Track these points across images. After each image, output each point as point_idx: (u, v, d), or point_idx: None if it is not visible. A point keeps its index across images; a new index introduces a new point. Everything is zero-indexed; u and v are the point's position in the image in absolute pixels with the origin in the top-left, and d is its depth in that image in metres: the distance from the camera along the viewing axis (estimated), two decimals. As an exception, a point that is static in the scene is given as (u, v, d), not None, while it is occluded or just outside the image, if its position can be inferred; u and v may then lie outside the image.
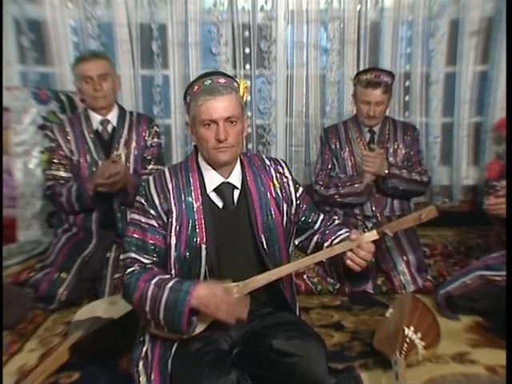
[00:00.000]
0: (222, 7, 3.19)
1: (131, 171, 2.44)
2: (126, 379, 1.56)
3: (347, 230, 1.62)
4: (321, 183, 2.62)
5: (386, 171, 2.46)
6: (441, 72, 3.37)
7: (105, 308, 1.98)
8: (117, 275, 1.35)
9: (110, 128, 2.48)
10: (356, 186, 2.51)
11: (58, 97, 2.95)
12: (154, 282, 1.37)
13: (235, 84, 1.47)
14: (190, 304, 1.31)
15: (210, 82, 1.43)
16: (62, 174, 2.41)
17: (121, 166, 2.28)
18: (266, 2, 3.24)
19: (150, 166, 2.49)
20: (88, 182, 2.29)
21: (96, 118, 2.46)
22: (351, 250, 1.45)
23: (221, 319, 1.34)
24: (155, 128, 2.58)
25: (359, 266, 1.44)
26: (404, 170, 2.53)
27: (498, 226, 2.01)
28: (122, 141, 2.47)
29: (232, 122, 1.42)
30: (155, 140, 2.56)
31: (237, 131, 1.44)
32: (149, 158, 2.51)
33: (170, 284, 1.35)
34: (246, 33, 3.25)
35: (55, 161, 2.43)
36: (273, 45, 3.29)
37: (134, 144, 2.48)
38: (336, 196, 2.57)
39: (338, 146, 2.66)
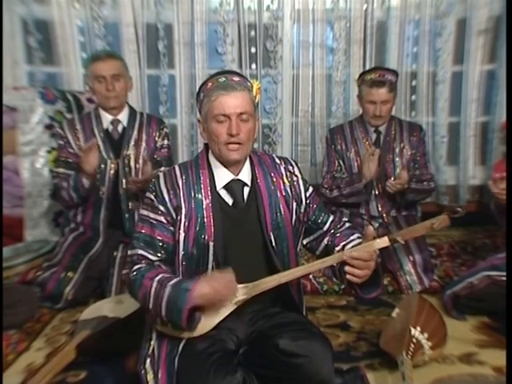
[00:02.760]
0: (228, 7, 3.20)
1: (140, 172, 2.44)
2: (132, 378, 1.57)
3: (359, 234, 1.60)
4: (326, 186, 2.63)
5: (406, 186, 2.45)
6: (448, 71, 3.36)
7: (111, 307, 1.99)
8: (124, 271, 1.36)
9: (120, 128, 2.49)
10: (356, 185, 2.51)
11: (64, 97, 2.97)
12: (157, 279, 1.38)
13: (248, 83, 1.49)
14: (189, 303, 1.31)
15: (224, 79, 1.44)
16: (68, 171, 2.41)
17: (149, 167, 2.33)
18: (272, 2, 3.24)
19: (163, 168, 2.48)
20: (80, 171, 2.29)
21: (107, 118, 2.47)
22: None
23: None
24: (165, 130, 2.59)
25: (356, 277, 1.40)
26: (419, 183, 2.53)
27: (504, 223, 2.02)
28: (132, 141, 2.48)
29: (244, 119, 1.43)
30: (165, 142, 2.57)
31: (248, 128, 1.45)
32: (159, 159, 2.52)
33: (172, 282, 1.36)
34: (252, 32, 3.25)
35: (63, 159, 2.44)
36: (279, 44, 3.29)
37: (143, 145, 2.49)
38: (340, 197, 2.58)
39: (343, 147, 2.66)
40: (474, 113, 3.40)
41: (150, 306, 1.38)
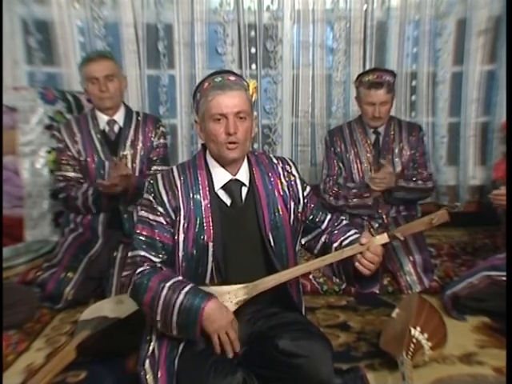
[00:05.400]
0: (228, 7, 3.20)
1: (137, 172, 2.45)
2: (132, 378, 1.57)
3: (356, 230, 1.62)
4: (330, 193, 2.61)
5: (393, 184, 2.46)
6: (447, 71, 3.36)
7: (111, 307, 1.99)
8: (125, 273, 1.35)
9: (116, 128, 2.49)
10: (365, 199, 2.52)
11: (64, 97, 2.97)
12: (168, 284, 1.37)
13: (245, 83, 1.49)
14: (204, 312, 1.32)
15: (220, 79, 1.45)
16: (72, 174, 2.42)
17: (126, 168, 2.30)
18: (272, 2, 3.24)
19: (154, 167, 2.49)
20: (106, 189, 2.28)
21: (103, 119, 2.47)
22: (360, 253, 1.43)
23: (212, 341, 1.35)
24: (161, 128, 2.58)
25: (367, 269, 1.43)
26: (411, 182, 2.54)
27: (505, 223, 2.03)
28: (129, 141, 2.47)
29: (241, 118, 1.44)
30: (161, 141, 2.56)
31: (246, 127, 1.45)
32: (154, 158, 2.52)
33: (187, 289, 1.36)
34: (252, 33, 3.26)
35: (63, 161, 2.44)
36: (279, 45, 3.29)
37: (140, 144, 2.49)
38: (345, 207, 2.57)
39: (343, 149, 2.65)
40: (473, 113, 3.40)
41: (159, 310, 1.37)
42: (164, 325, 1.39)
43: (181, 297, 1.34)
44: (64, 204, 2.50)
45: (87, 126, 2.46)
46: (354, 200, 2.54)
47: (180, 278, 1.42)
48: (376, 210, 2.57)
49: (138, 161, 2.47)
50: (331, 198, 2.60)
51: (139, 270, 1.42)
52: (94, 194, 2.34)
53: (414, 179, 2.56)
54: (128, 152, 2.45)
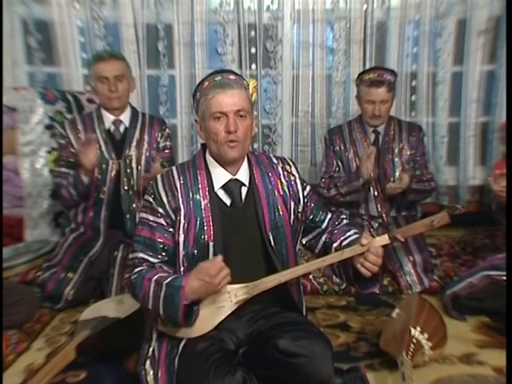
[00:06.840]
0: (228, 7, 3.20)
1: (142, 172, 2.45)
2: (132, 378, 1.57)
3: (356, 230, 1.62)
4: (323, 186, 2.62)
5: (407, 186, 2.44)
6: (447, 72, 3.36)
7: (111, 307, 1.99)
8: (126, 275, 1.36)
9: (122, 128, 2.49)
10: (354, 183, 2.50)
11: (64, 97, 2.97)
12: (154, 279, 1.39)
13: (244, 82, 1.50)
14: (183, 298, 1.32)
15: (220, 78, 1.45)
16: (71, 171, 2.41)
17: (158, 165, 2.33)
18: (272, 2, 3.24)
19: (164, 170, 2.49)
20: (80, 168, 2.30)
21: (109, 118, 2.47)
22: (361, 255, 1.43)
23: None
24: (167, 130, 2.59)
25: (369, 271, 1.43)
26: (420, 183, 2.52)
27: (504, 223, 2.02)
28: (134, 142, 2.47)
29: (241, 116, 1.44)
30: (167, 143, 2.57)
31: (246, 126, 1.45)
32: (161, 160, 2.51)
33: (167, 280, 1.37)
34: (252, 33, 3.26)
35: (64, 157, 2.44)
36: (279, 45, 3.29)
37: (145, 145, 2.49)
38: (338, 196, 2.57)
39: (342, 148, 2.65)
40: (473, 113, 3.40)
41: (150, 306, 1.38)
42: (160, 320, 1.40)
43: (163, 289, 1.35)
44: (56, 196, 2.50)
45: (92, 124, 2.46)
46: (344, 187, 2.53)
47: (166, 273, 1.42)
48: (367, 192, 2.56)
49: (143, 161, 2.47)
50: (324, 189, 2.60)
51: (136, 270, 1.44)
52: (74, 178, 2.33)
53: (422, 181, 2.55)
54: (133, 153, 2.45)
